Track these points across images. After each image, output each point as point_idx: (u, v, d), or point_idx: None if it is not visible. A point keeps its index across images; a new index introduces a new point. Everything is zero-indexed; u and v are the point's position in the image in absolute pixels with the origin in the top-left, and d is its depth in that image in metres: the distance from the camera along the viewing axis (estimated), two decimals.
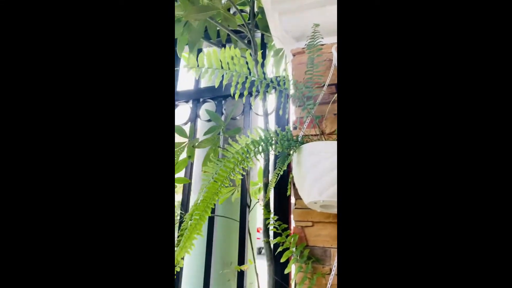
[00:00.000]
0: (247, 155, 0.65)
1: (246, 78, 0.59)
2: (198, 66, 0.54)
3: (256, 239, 0.99)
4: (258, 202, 1.09)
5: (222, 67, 0.56)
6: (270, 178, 0.86)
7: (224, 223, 1.08)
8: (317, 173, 0.59)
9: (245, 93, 0.63)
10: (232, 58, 0.56)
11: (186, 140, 0.96)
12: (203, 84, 1.20)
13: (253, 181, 1.12)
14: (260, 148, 0.68)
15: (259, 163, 1.20)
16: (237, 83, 0.58)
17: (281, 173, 0.65)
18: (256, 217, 1.21)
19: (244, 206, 0.98)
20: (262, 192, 0.96)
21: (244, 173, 0.89)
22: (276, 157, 0.87)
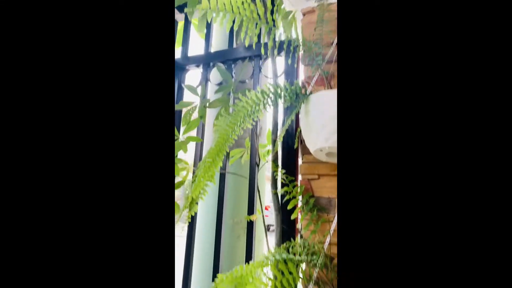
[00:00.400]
0: (257, 107, 0.68)
1: (256, 24, 0.61)
2: (210, 8, 0.56)
3: (265, 217, 1.02)
4: (266, 162, 1.13)
5: (233, 11, 0.58)
6: (278, 134, 0.90)
7: (235, 184, 1.13)
8: (324, 120, 0.62)
9: (255, 40, 0.65)
10: (243, 4, 0.58)
11: (197, 100, 0.99)
12: (214, 48, 1.21)
13: (262, 144, 1.15)
14: (269, 100, 0.70)
15: (268, 126, 1.23)
16: (247, 28, 0.59)
17: (289, 122, 0.68)
18: (265, 182, 1.26)
19: (253, 165, 1.02)
20: (270, 154, 1.00)
21: (254, 123, 0.93)
22: (285, 112, 0.90)
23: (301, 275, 0.70)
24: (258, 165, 1.04)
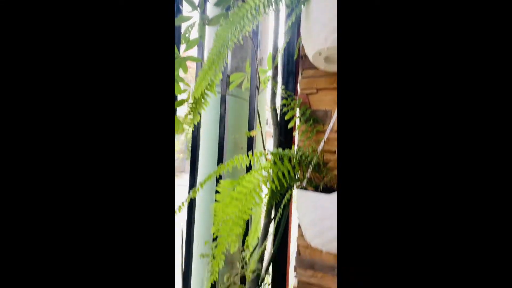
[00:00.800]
0: (257, 12, 0.67)
1: None
2: None
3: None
4: (267, 87, 1.14)
5: None
6: (279, 48, 0.89)
7: (235, 106, 1.16)
8: (325, 19, 0.61)
9: None
10: None
11: (196, 16, 0.96)
12: None
13: (263, 69, 1.15)
14: (270, 6, 0.69)
15: (270, 49, 1.20)
16: None
17: (290, 25, 0.67)
18: (265, 108, 1.28)
19: (254, 89, 1.04)
20: (271, 79, 1.01)
21: (255, 28, 0.92)
22: (286, 21, 0.88)
23: (297, 176, 0.77)
24: (258, 89, 1.06)
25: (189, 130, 1.06)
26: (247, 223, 0.95)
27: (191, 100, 0.84)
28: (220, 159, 1.04)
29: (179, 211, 0.66)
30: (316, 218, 0.59)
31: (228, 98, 1.10)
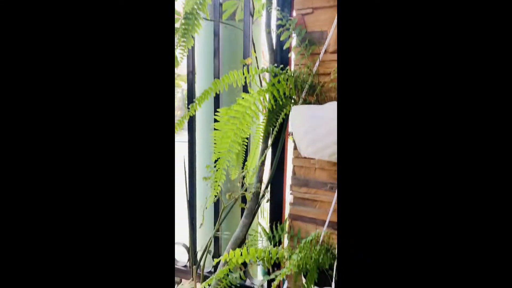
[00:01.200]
0: None
1: None
2: None
3: None
4: (262, 17, 1.10)
5: None
6: None
7: (229, 36, 1.13)
8: None
9: None
10: None
11: None
12: None
13: None
14: None
15: None
16: None
17: None
18: (260, 37, 1.24)
19: (248, 17, 1.00)
20: (265, 8, 0.95)
21: None
22: None
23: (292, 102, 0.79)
24: (252, 16, 1.02)
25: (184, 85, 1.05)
26: (246, 151, 1.00)
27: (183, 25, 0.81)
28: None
29: (180, 129, 0.69)
30: (309, 127, 0.63)
31: (221, 28, 1.06)
